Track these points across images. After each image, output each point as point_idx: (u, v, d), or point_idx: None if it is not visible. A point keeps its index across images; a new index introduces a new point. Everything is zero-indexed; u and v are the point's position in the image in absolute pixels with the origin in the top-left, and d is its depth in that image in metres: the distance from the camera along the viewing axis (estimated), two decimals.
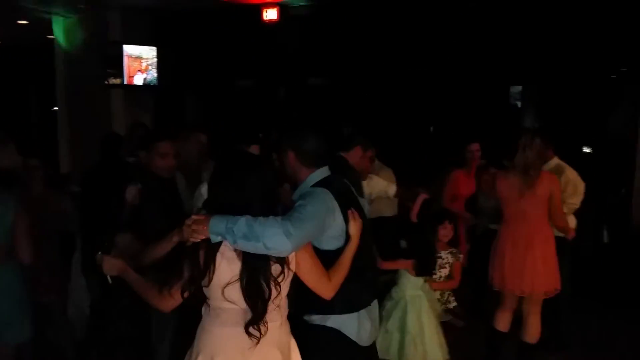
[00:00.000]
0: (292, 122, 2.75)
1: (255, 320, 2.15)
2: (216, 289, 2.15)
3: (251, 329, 2.15)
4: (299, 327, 2.46)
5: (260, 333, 2.16)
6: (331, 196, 2.47)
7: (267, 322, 2.19)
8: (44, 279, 3.74)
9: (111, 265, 2.46)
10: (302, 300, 2.38)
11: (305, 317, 2.59)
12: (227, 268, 2.14)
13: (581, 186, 4.41)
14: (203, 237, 2.12)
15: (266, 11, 7.79)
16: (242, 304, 2.16)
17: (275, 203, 2.27)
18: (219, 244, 2.13)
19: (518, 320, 4.17)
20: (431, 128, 8.28)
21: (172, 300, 2.26)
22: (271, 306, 2.19)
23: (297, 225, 2.16)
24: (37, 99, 12.04)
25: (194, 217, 2.16)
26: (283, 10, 7.74)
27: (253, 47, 8.41)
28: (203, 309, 2.25)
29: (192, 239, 2.14)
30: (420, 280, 3.81)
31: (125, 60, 8.34)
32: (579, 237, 6.24)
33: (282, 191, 2.93)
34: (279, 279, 2.17)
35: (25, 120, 12.35)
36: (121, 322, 3.04)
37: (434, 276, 3.95)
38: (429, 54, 7.68)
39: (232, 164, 2.24)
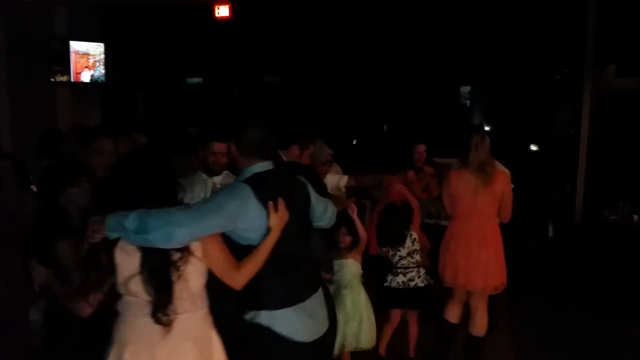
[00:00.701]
0: (237, 115, 2.71)
1: (161, 307, 2.15)
2: (122, 284, 2.17)
3: (161, 317, 2.15)
4: (235, 325, 2.46)
5: (170, 321, 2.16)
6: (247, 189, 2.38)
7: (176, 313, 2.18)
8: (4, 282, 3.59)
9: (39, 274, 2.45)
10: (240, 297, 2.37)
11: (244, 315, 2.51)
12: (127, 262, 2.16)
13: None
14: (102, 236, 2.14)
15: (218, 8, 7.73)
16: (144, 295, 2.17)
17: (170, 194, 2.29)
18: (117, 240, 2.15)
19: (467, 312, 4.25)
20: (385, 126, 8.38)
21: (87, 305, 2.23)
22: (182, 296, 2.20)
23: (192, 216, 2.18)
24: None
25: (93, 218, 2.18)
26: (235, 7, 7.69)
27: (205, 45, 8.31)
28: (118, 303, 2.25)
29: (92, 240, 2.16)
30: (359, 270, 3.91)
31: (72, 57, 8.11)
32: (526, 231, 6.45)
33: None
34: (179, 263, 2.18)
35: None
36: (79, 328, 2.94)
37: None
38: (383, 53, 7.78)
39: (124, 162, 2.34)
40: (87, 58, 8.27)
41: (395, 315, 4.31)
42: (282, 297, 2.47)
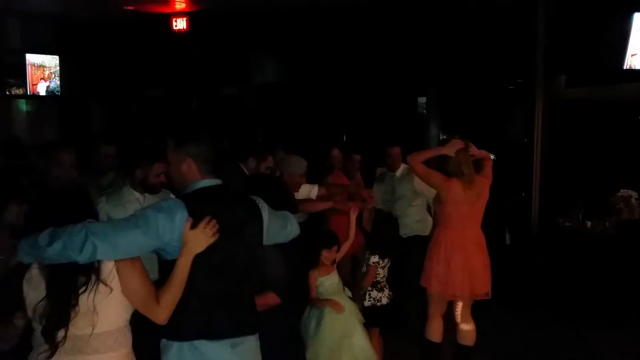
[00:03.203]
0: (193, 128, 2.65)
1: (52, 325, 1.97)
2: (32, 315, 2.01)
3: (48, 337, 1.97)
4: None
5: (57, 341, 1.97)
6: (177, 202, 2.22)
7: (85, 354, 2.01)
8: None
9: None
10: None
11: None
12: (34, 294, 2.00)
13: None
14: (16, 262, 2.03)
15: (176, 21, 7.73)
16: (39, 325, 2.00)
17: (78, 209, 2.12)
18: (25, 268, 2.01)
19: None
20: (344, 136, 8.43)
21: (14, 331, 2.09)
22: (84, 336, 2.01)
23: (114, 228, 2.05)
24: None
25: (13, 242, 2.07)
26: (193, 20, 7.69)
27: (163, 56, 8.26)
28: (32, 338, 2.08)
29: (11, 264, 2.06)
30: (340, 285, 3.82)
31: (28, 69, 7.99)
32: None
33: None
34: (80, 290, 1.98)
35: None
36: None
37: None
38: (342, 64, 7.84)
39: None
40: (43, 70, 8.16)
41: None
42: (197, 329, 2.23)
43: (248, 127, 7.78)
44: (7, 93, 7.93)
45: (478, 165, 4.03)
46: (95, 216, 2.18)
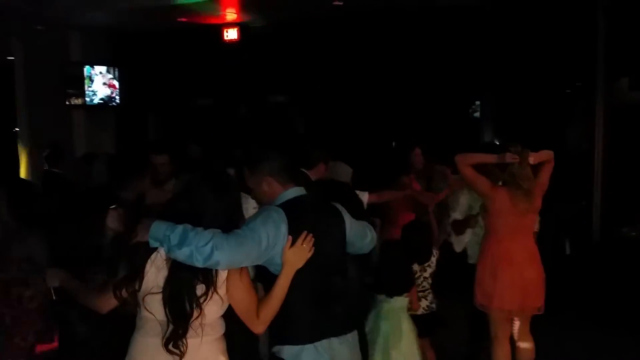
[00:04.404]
0: (262, 146, 2.71)
1: (174, 338, 2.14)
2: (143, 296, 2.17)
3: (170, 346, 2.14)
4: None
5: (181, 352, 2.15)
6: (281, 213, 2.34)
7: (187, 340, 2.16)
8: None
9: (52, 276, 2.48)
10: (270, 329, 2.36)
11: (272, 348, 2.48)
12: (153, 276, 2.16)
13: None
14: (144, 240, 2.14)
15: (227, 31, 7.86)
16: (160, 316, 2.16)
17: (232, 221, 2.27)
18: (153, 250, 2.14)
19: None
20: (393, 143, 8.31)
21: (110, 299, 2.24)
22: (194, 324, 2.17)
23: (234, 241, 2.15)
24: None
25: (144, 220, 2.18)
26: (243, 30, 7.79)
27: (214, 66, 8.41)
28: (137, 316, 2.26)
29: (138, 239, 2.16)
30: (399, 302, 3.72)
31: (87, 80, 8.29)
32: (542, 249, 6.28)
33: None
34: (201, 300, 2.16)
35: None
36: (81, 327, 2.95)
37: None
38: (390, 69, 7.76)
39: (196, 181, 2.30)
40: (102, 81, 8.45)
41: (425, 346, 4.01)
42: (308, 332, 2.39)
43: (297, 135, 7.78)
44: (67, 103, 8.25)
45: (534, 169, 3.75)
46: (236, 221, 2.31)
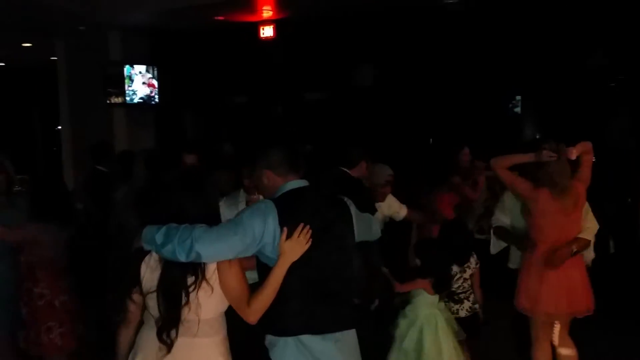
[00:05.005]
0: (259, 144, 2.74)
1: (165, 327, 2.21)
2: (144, 297, 2.28)
3: (164, 337, 2.21)
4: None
5: (171, 341, 2.21)
6: (269, 205, 2.36)
7: (182, 336, 2.23)
8: None
9: None
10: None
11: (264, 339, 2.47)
12: (150, 277, 2.26)
13: None
14: (138, 245, 2.28)
15: (263, 29, 7.88)
16: (156, 311, 2.25)
17: (213, 216, 2.34)
18: (145, 253, 2.26)
19: None
20: (431, 140, 8.22)
21: (130, 315, 2.36)
22: (190, 319, 2.24)
23: (215, 233, 2.22)
24: (41, 119, 12.18)
25: (139, 227, 2.32)
26: (279, 27, 7.80)
27: (250, 64, 8.45)
28: (144, 313, 2.36)
29: (135, 245, 2.29)
30: (435, 299, 3.70)
31: (127, 80, 8.44)
32: None
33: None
34: (190, 289, 2.22)
35: (30, 140, 12.48)
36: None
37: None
38: (427, 65, 7.67)
39: (182, 180, 2.40)
40: (141, 81, 8.58)
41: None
42: (298, 325, 2.36)
43: (335, 132, 7.76)
44: (108, 102, 8.41)
45: (574, 164, 3.60)
46: (216, 216, 2.39)
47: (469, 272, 3.98)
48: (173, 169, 3.89)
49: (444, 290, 3.72)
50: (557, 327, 3.76)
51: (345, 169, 3.87)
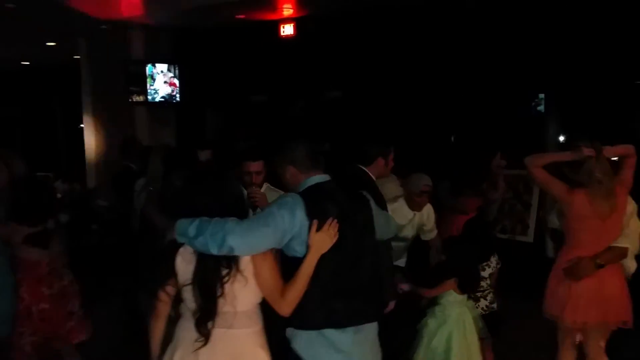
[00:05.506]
0: (283, 139, 2.77)
1: (202, 318, 2.26)
2: (180, 289, 2.32)
3: (201, 328, 2.26)
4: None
5: (209, 333, 2.25)
6: (297, 198, 2.41)
7: (219, 327, 2.27)
8: None
9: None
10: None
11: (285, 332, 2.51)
12: (184, 269, 2.29)
13: None
14: (172, 238, 2.32)
15: (283, 27, 7.89)
16: (193, 304, 2.29)
17: (238, 208, 2.40)
18: (179, 246, 2.30)
19: None
20: (452, 137, 8.12)
21: (162, 305, 2.38)
22: (225, 311, 2.28)
23: (246, 226, 2.26)
24: (64, 117, 12.34)
25: (170, 221, 2.37)
26: (300, 25, 7.78)
27: (270, 62, 8.44)
28: (181, 305, 2.38)
29: (168, 238, 2.34)
30: (464, 298, 3.69)
31: (149, 79, 8.51)
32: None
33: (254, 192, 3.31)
34: (225, 280, 2.26)
35: (53, 137, 12.66)
36: None
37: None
38: (448, 62, 7.57)
39: (197, 175, 2.51)
40: (163, 80, 8.65)
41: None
42: (325, 319, 2.41)
43: (354, 130, 7.71)
44: (130, 100, 8.49)
45: (614, 167, 3.40)
46: (243, 209, 2.46)
47: (488, 270, 3.97)
48: (188, 165, 3.95)
49: (472, 290, 3.70)
50: (589, 338, 3.57)
51: (362, 166, 3.87)
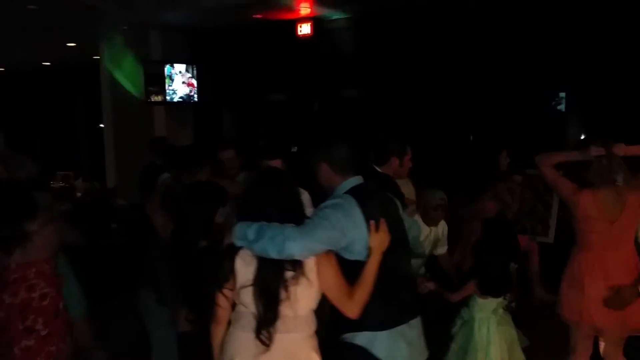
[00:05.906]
0: (322, 133, 2.76)
1: (265, 324, 2.21)
2: (236, 292, 2.28)
3: (262, 334, 2.21)
4: (332, 346, 2.46)
5: (271, 340, 2.21)
6: (352, 200, 2.43)
7: (279, 332, 2.23)
8: None
9: None
10: (336, 318, 2.37)
11: (341, 336, 2.52)
12: (244, 271, 2.25)
13: None
14: (229, 242, 2.29)
15: (300, 26, 7.88)
16: (253, 307, 2.23)
17: (297, 213, 2.35)
18: (239, 248, 2.26)
19: None
20: (471, 137, 8.03)
21: (222, 311, 2.35)
22: (287, 315, 2.24)
23: (304, 230, 2.24)
24: (84, 117, 12.49)
25: (228, 224, 2.39)
26: (317, 25, 7.77)
27: (287, 62, 8.44)
28: (233, 312, 2.35)
29: (226, 241, 2.31)
30: (492, 304, 3.60)
31: (167, 80, 8.57)
32: None
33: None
34: (289, 283, 2.23)
35: (73, 137, 12.81)
36: None
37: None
38: (467, 60, 7.48)
39: (260, 179, 2.42)
40: (181, 80, 8.71)
41: None
42: (383, 319, 2.45)
43: (371, 130, 7.67)
44: (149, 100, 8.56)
45: (634, 169, 3.30)
46: (301, 213, 2.39)
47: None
48: (203, 165, 3.92)
49: (494, 292, 3.58)
50: (604, 343, 3.53)
51: (375, 166, 3.83)
